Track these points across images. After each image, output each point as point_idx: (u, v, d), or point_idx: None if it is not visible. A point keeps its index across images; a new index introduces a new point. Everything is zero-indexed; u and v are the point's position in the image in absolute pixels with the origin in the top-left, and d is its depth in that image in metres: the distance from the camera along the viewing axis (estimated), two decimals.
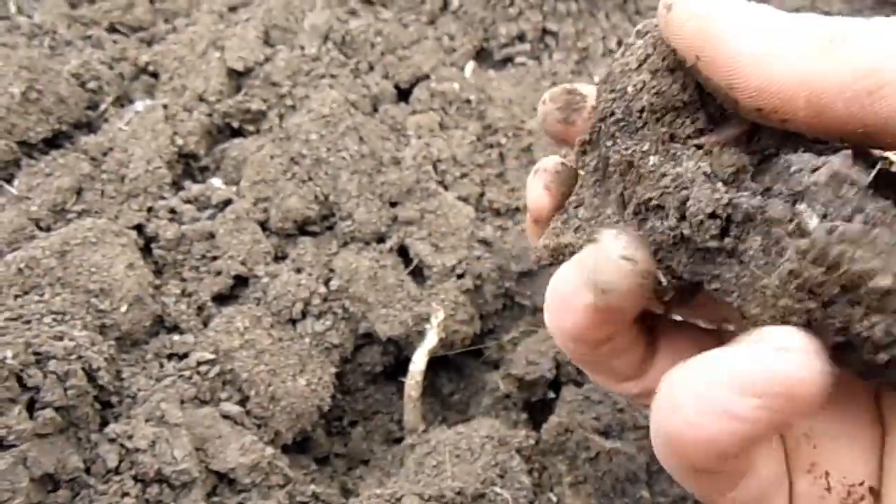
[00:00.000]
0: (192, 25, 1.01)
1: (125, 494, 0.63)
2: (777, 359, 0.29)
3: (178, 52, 0.97)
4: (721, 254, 0.36)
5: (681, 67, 0.36)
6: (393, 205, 0.90)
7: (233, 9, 1.05)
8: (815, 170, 0.33)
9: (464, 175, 0.93)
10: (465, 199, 0.93)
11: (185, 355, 0.75)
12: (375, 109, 0.98)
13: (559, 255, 0.44)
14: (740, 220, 0.34)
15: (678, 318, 0.45)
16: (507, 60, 1.07)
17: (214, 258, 0.84)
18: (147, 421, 0.67)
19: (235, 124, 0.95)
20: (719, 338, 0.44)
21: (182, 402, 0.71)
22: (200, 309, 0.81)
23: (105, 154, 0.87)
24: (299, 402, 0.77)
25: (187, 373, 0.73)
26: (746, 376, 0.29)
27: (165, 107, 0.92)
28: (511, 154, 0.97)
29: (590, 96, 0.44)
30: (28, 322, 0.68)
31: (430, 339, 0.82)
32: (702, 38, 0.33)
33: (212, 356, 0.75)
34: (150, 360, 0.75)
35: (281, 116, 0.94)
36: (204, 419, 0.70)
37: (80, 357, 0.65)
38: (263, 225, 0.87)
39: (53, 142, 0.88)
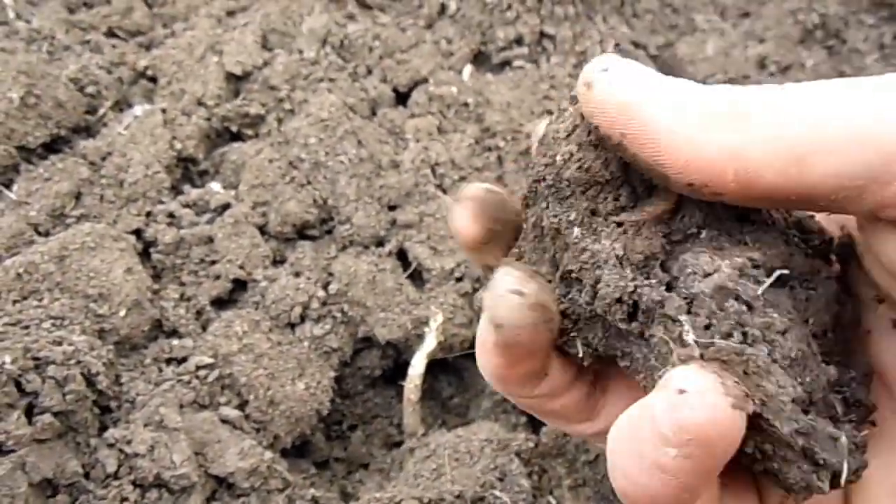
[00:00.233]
0: (191, 30, 1.01)
1: (124, 499, 0.63)
2: (680, 404, 0.29)
3: (176, 57, 0.97)
4: (631, 334, 0.36)
5: (603, 144, 0.36)
6: (392, 208, 0.90)
7: (231, 13, 1.05)
8: (707, 275, 0.33)
9: (462, 178, 0.93)
10: None
11: (184, 360, 0.75)
12: (374, 113, 0.98)
13: None
14: (644, 309, 0.35)
15: None
16: (505, 64, 1.07)
17: (213, 262, 0.84)
18: (146, 426, 0.67)
19: (234, 128, 0.95)
20: None
21: (181, 406, 0.71)
22: (199, 313, 0.81)
23: (104, 159, 0.87)
24: (298, 406, 0.77)
25: (186, 377, 0.73)
26: (662, 427, 0.29)
27: (164, 111, 0.92)
28: (509, 157, 0.97)
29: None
30: (27, 327, 0.68)
31: (430, 343, 0.82)
32: (626, 118, 0.33)
33: (211, 360, 0.75)
34: (148, 364, 0.75)
35: (279, 120, 0.94)
36: (203, 424, 0.70)
37: (78, 362, 0.65)
38: (262, 229, 0.87)
39: (52, 147, 0.88)
